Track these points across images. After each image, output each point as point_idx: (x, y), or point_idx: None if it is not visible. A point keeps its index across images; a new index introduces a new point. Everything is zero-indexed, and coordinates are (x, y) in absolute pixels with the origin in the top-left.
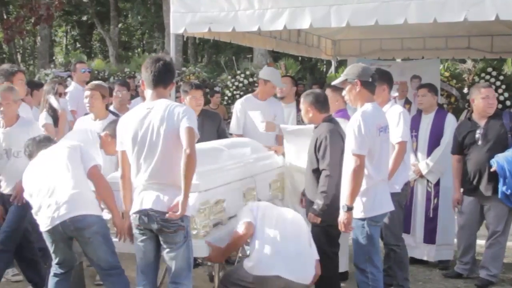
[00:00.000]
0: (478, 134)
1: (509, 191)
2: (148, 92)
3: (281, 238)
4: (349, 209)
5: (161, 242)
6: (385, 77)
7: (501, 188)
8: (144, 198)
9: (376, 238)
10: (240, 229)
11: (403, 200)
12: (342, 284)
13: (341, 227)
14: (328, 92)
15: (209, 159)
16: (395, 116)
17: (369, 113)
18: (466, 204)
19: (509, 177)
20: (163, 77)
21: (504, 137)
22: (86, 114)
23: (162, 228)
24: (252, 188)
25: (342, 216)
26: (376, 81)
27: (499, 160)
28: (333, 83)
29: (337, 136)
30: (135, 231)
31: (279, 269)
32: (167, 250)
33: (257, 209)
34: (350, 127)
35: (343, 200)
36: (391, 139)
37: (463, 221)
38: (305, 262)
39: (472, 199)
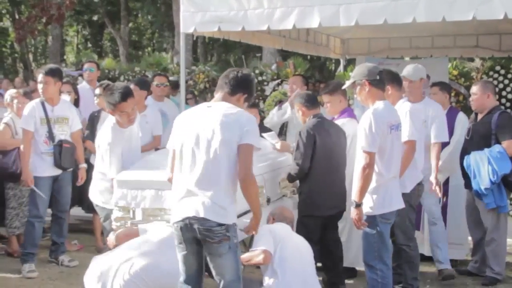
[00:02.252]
0: (468, 128)
1: (477, 189)
2: (217, 95)
3: (294, 275)
4: (358, 205)
5: (205, 253)
6: (387, 77)
7: (472, 185)
8: (187, 206)
9: (386, 235)
10: (259, 257)
11: (415, 200)
12: (350, 281)
13: (354, 223)
14: (327, 98)
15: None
16: (401, 115)
17: (380, 111)
18: (469, 200)
19: (477, 176)
20: (237, 86)
21: (488, 135)
22: (94, 112)
23: (205, 238)
24: (261, 186)
25: (352, 212)
26: (384, 78)
27: (470, 158)
28: (343, 87)
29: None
30: (177, 244)
31: None
32: (212, 263)
33: (275, 236)
34: (361, 125)
35: (353, 196)
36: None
37: (469, 217)
38: None
39: (471, 194)
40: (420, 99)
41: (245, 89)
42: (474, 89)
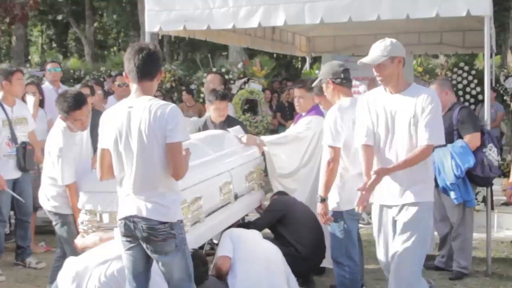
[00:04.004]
0: None
1: (443, 185)
2: (133, 87)
3: (258, 275)
4: (323, 200)
5: (149, 253)
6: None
7: (438, 181)
8: (129, 204)
9: (353, 231)
10: (219, 262)
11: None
12: (319, 278)
13: (320, 218)
14: (301, 92)
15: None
16: None
17: (345, 107)
18: (437, 195)
19: (441, 172)
20: (149, 69)
21: (450, 131)
22: None
23: (149, 237)
24: (228, 182)
25: (318, 207)
26: (349, 76)
27: (433, 154)
28: (312, 85)
29: None
30: (122, 239)
31: None
32: (160, 262)
33: (234, 239)
34: (326, 121)
35: (318, 191)
36: None
37: (435, 213)
38: None
39: (437, 191)
40: None
41: (158, 66)
42: (432, 87)
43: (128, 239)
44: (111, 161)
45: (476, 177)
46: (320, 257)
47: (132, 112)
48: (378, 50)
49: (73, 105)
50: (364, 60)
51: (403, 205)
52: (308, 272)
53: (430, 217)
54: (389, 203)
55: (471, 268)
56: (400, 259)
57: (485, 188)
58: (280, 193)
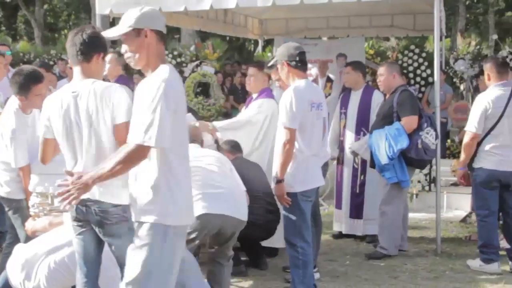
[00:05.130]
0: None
1: (379, 165)
2: (75, 70)
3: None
4: (279, 181)
5: (102, 237)
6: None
7: (375, 161)
8: None
9: (307, 213)
10: None
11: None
12: (272, 259)
13: (277, 199)
14: (253, 71)
15: None
16: None
17: (301, 89)
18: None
19: (377, 153)
20: (90, 50)
21: (390, 113)
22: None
23: (102, 220)
24: None
25: (274, 189)
26: (305, 58)
27: (372, 136)
28: (268, 65)
29: None
30: (73, 223)
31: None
32: (112, 245)
33: None
34: (282, 102)
35: (274, 173)
36: None
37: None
38: (238, 197)
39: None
40: None
41: (99, 48)
42: (381, 70)
43: (80, 223)
44: (54, 147)
45: (410, 159)
46: (274, 223)
47: (78, 98)
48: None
49: (33, 79)
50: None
51: None
52: (261, 239)
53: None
54: None
55: (394, 250)
56: None
57: (434, 169)
58: (233, 146)
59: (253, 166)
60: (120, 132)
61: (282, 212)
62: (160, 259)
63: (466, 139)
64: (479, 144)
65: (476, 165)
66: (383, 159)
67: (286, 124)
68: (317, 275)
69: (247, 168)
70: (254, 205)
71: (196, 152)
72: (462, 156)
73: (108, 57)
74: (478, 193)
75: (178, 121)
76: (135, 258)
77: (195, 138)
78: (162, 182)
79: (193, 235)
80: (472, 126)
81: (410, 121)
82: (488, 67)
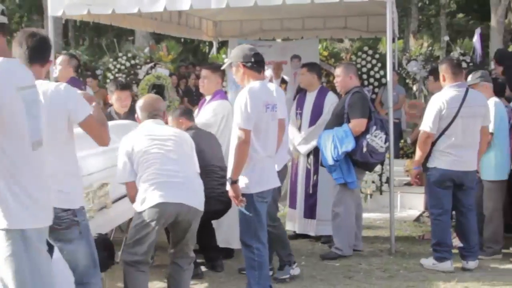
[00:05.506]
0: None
1: (326, 165)
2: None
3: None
4: (234, 182)
5: (52, 242)
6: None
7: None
8: None
9: (263, 214)
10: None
11: (281, 180)
12: (227, 261)
13: (233, 200)
14: (207, 73)
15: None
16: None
17: (256, 90)
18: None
19: (324, 154)
20: (41, 54)
21: (341, 114)
22: None
23: (53, 225)
24: None
25: (229, 190)
26: (259, 59)
27: (321, 136)
28: (222, 67)
29: None
30: None
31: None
32: (64, 250)
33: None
34: (237, 103)
35: (229, 174)
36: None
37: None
38: (196, 187)
39: None
40: None
41: (49, 53)
42: (338, 71)
43: None
44: None
45: (356, 162)
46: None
47: None
48: None
49: None
50: None
51: None
52: (220, 213)
53: None
54: None
55: (348, 250)
56: None
57: (388, 169)
58: (186, 112)
59: (208, 137)
60: (87, 126)
61: (238, 213)
62: (28, 265)
63: (420, 139)
64: (433, 144)
65: (430, 164)
66: (329, 160)
67: (241, 125)
68: (297, 270)
69: (201, 139)
70: (207, 178)
71: (157, 132)
72: (417, 155)
73: (59, 59)
74: (432, 192)
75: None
76: (4, 272)
77: (156, 112)
78: (2, 185)
79: (152, 225)
80: (426, 126)
81: (358, 124)
82: (443, 68)
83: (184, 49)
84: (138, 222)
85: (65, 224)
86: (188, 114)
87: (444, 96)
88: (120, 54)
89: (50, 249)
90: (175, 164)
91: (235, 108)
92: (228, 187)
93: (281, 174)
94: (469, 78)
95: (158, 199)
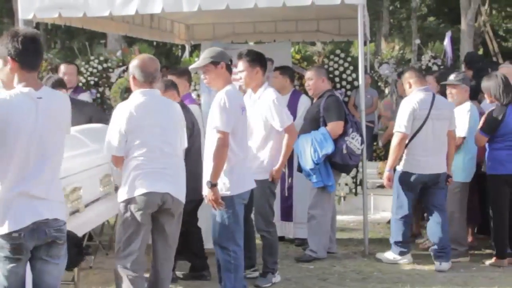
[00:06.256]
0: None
1: (305, 169)
2: (28, 75)
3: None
4: (214, 185)
5: (44, 257)
6: (260, 59)
7: (301, 166)
8: (37, 208)
9: (241, 216)
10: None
11: (275, 186)
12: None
13: (212, 204)
14: (173, 78)
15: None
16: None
17: (233, 92)
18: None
19: (303, 158)
20: (40, 58)
21: (317, 117)
22: None
23: (55, 240)
24: (109, 174)
25: (209, 193)
26: (229, 61)
27: (298, 140)
28: (190, 67)
29: None
30: (8, 253)
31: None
32: (50, 265)
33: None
34: (215, 105)
35: (207, 177)
36: None
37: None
38: (181, 179)
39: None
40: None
41: None
42: (309, 74)
43: (19, 251)
44: None
45: (335, 164)
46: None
47: (42, 103)
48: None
49: None
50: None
51: None
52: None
53: None
54: None
55: (323, 253)
56: None
57: (361, 172)
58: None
59: None
60: None
61: (215, 216)
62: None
63: (395, 140)
64: (405, 147)
65: (400, 167)
66: (308, 164)
67: (220, 128)
68: (278, 278)
69: None
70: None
71: (154, 112)
72: (390, 158)
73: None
74: (400, 194)
75: None
76: None
77: (156, 74)
78: None
79: (139, 214)
80: (401, 127)
81: (335, 127)
82: (407, 76)
83: (157, 52)
84: (126, 217)
85: (63, 238)
86: (174, 87)
87: (415, 98)
88: (92, 58)
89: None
90: (164, 156)
91: (213, 111)
92: (206, 191)
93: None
94: (451, 77)
95: (145, 189)
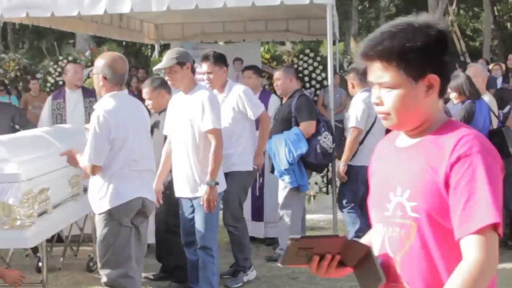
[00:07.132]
0: (275, 112)
1: (278, 170)
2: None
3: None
4: (216, 184)
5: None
6: (224, 59)
7: (274, 166)
8: None
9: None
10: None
11: (250, 183)
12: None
13: (207, 205)
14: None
15: (30, 147)
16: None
17: (212, 92)
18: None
19: (276, 158)
20: None
21: (288, 118)
22: None
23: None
24: (77, 175)
25: (209, 194)
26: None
27: (271, 141)
28: (154, 68)
29: None
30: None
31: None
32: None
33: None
34: (205, 105)
35: (203, 177)
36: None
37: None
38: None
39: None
40: None
41: None
42: (277, 74)
43: None
44: None
45: (309, 164)
46: None
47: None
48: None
49: None
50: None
51: None
52: None
53: None
54: None
55: None
56: None
57: (331, 170)
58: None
59: None
60: None
61: (200, 218)
62: None
63: (351, 136)
64: (360, 143)
65: (357, 162)
66: (282, 164)
67: (217, 126)
68: (253, 274)
69: None
70: None
71: (132, 117)
72: (346, 153)
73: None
74: (354, 188)
75: None
76: None
77: (124, 80)
78: None
79: (126, 221)
80: (355, 122)
81: (308, 126)
82: (351, 77)
83: (126, 52)
84: (112, 225)
85: None
86: (167, 86)
87: (364, 97)
88: (60, 58)
89: None
90: (144, 159)
91: (205, 110)
92: (203, 191)
93: (251, 176)
94: None
95: (129, 195)
